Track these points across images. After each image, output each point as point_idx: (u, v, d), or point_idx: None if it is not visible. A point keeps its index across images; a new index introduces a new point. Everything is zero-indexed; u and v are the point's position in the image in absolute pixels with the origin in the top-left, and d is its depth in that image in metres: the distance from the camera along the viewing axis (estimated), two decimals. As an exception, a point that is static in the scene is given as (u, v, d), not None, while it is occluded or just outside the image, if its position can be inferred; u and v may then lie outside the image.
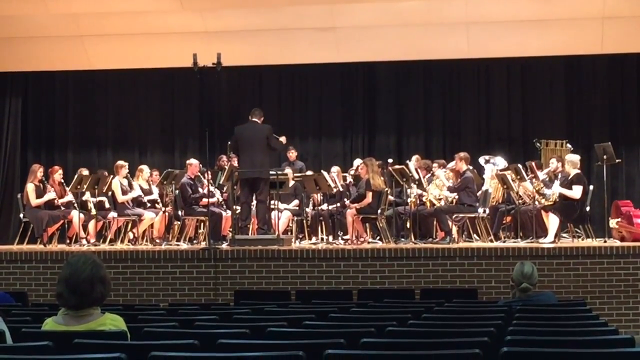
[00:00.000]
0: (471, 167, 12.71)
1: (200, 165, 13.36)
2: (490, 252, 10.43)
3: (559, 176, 12.13)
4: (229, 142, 12.70)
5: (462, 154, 12.54)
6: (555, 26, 14.15)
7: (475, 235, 12.52)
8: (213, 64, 11.15)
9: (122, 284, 10.45)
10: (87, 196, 12.80)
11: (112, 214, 12.85)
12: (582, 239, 12.18)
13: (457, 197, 12.30)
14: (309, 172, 13.94)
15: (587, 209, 12.13)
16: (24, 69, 15.66)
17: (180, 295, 10.46)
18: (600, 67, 15.26)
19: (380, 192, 12.49)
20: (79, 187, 12.46)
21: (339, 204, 13.17)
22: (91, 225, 12.68)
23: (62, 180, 12.93)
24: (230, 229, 12.39)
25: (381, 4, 14.09)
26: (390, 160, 13.48)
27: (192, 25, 14.50)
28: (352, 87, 15.98)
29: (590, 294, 10.03)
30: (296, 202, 13.15)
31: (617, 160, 12.80)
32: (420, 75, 15.82)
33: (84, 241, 12.39)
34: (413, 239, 12.16)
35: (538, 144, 14.18)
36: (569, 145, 14.01)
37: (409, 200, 12.62)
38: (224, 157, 13.88)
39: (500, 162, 13.53)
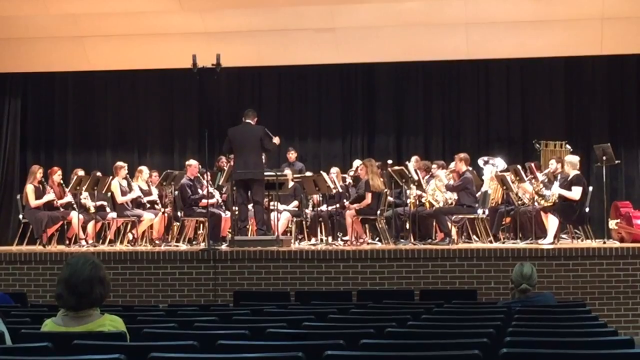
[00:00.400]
0: (470, 169, 12.71)
1: (200, 166, 13.35)
2: (489, 253, 10.42)
3: (559, 177, 12.13)
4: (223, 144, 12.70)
5: (462, 155, 12.55)
6: (554, 27, 14.15)
7: (474, 236, 12.52)
8: (212, 64, 11.14)
9: (122, 285, 10.45)
10: (84, 195, 12.78)
11: (112, 215, 12.85)
12: (582, 240, 12.17)
13: (456, 197, 12.30)
14: (309, 173, 13.95)
15: (587, 210, 12.12)
16: (24, 70, 15.66)
17: (179, 296, 10.45)
18: (599, 68, 15.26)
19: (380, 193, 12.50)
20: (78, 188, 12.46)
21: (338, 205, 13.17)
22: (90, 226, 12.68)
23: (62, 181, 12.92)
24: (230, 230, 12.39)
25: (381, 5, 14.09)
26: (389, 161, 13.48)
27: (191, 26, 14.50)
28: (352, 87, 15.99)
29: (589, 295, 10.02)
30: (295, 203, 13.15)
31: (616, 161, 12.80)
32: (419, 76, 15.83)
33: (83, 242, 12.39)
34: (412, 240, 12.16)
35: (537, 145, 14.17)
36: (568, 146, 14.01)
37: (408, 201, 12.63)
38: (224, 158, 13.88)
39: (500, 163, 13.53)
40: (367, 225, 12.99)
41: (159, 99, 16.23)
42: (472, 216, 12.38)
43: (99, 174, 13.01)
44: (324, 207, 13.40)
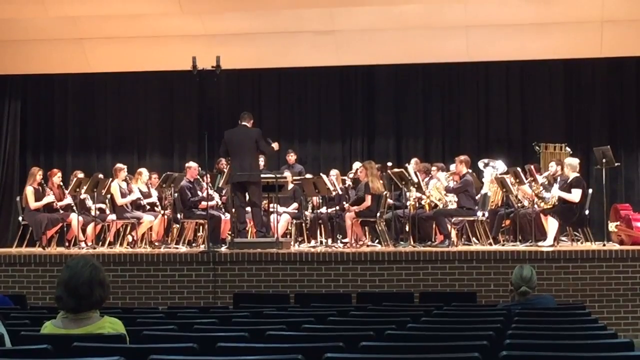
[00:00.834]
0: (470, 171, 12.71)
1: (200, 168, 13.35)
2: (489, 255, 10.43)
3: (558, 179, 12.13)
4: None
5: (462, 157, 12.54)
6: (554, 30, 14.15)
7: (474, 239, 12.51)
8: (212, 67, 11.16)
9: (121, 287, 10.45)
10: (86, 197, 12.78)
11: (111, 217, 12.85)
12: (581, 243, 12.17)
13: (456, 199, 12.30)
14: (308, 175, 13.95)
15: (586, 212, 12.11)
16: (23, 72, 15.66)
17: (179, 299, 10.45)
18: (599, 71, 15.27)
19: (380, 195, 12.49)
20: (77, 190, 12.46)
21: (338, 207, 13.16)
22: (90, 228, 12.67)
23: (61, 183, 12.92)
24: (229, 232, 12.39)
25: (381, 7, 14.09)
26: (389, 164, 13.48)
27: (191, 28, 14.49)
28: (352, 90, 15.99)
29: (589, 298, 10.02)
30: (295, 205, 13.15)
31: (616, 164, 12.80)
32: (419, 79, 15.83)
33: (82, 244, 12.38)
34: (412, 242, 12.16)
35: (537, 148, 14.18)
36: (568, 149, 14.01)
37: (408, 203, 12.62)
38: (223, 160, 13.87)
39: (500, 165, 13.54)
40: (366, 228, 12.98)
41: (158, 101, 16.23)
42: (471, 218, 12.38)
43: (100, 175, 13.03)
44: (323, 210, 13.40)
